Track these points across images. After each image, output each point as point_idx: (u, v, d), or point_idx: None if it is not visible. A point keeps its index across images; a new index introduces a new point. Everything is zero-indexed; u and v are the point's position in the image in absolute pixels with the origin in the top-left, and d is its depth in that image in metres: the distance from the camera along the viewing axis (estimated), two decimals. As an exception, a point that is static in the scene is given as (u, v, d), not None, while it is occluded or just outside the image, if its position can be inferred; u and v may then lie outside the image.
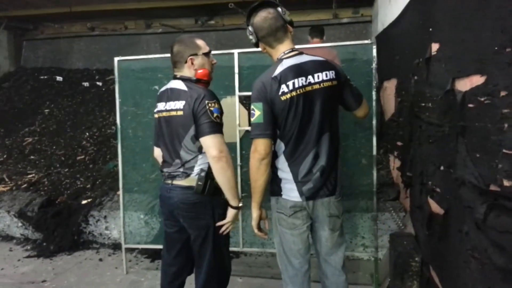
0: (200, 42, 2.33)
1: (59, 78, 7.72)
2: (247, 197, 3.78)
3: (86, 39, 8.27)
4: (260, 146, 1.98)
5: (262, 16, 2.05)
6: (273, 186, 2.14)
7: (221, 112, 2.20)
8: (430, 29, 2.44)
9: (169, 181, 2.29)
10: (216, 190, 2.21)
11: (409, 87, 3.05)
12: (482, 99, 1.60)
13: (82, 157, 5.52)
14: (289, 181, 2.06)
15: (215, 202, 2.24)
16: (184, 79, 2.29)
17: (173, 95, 2.26)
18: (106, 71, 7.58)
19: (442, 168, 2.20)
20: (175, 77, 2.34)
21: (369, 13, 6.75)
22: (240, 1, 5.96)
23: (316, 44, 4.33)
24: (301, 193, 2.05)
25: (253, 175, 2.04)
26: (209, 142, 2.12)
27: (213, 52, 3.61)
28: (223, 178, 2.14)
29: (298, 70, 2.00)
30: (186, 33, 7.42)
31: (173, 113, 2.23)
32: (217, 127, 2.14)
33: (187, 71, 2.30)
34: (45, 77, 7.87)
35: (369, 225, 3.43)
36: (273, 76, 2.00)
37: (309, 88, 1.99)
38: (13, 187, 4.92)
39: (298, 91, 1.97)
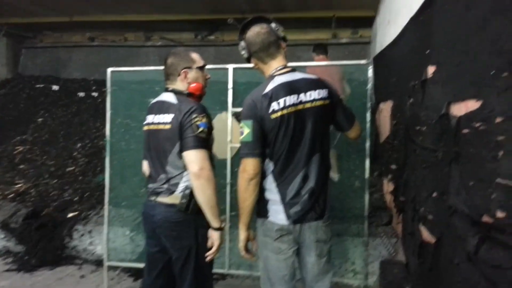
0: (195, 55, 2.28)
1: (54, 87, 7.67)
2: (236, 216, 3.68)
3: (85, 49, 8.25)
4: (248, 166, 1.91)
5: (255, 31, 2.01)
6: (260, 207, 2.04)
7: (209, 127, 2.12)
8: (427, 51, 2.38)
9: (153, 198, 2.21)
10: (200, 209, 2.11)
11: (405, 110, 2.98)
12: (477, 125, 1.52)
13: (72, 168, 5.41)
14: (276, 203, 1.98)
15: (199, 222, 2.13)
16: (176, 92, 2.23)
17: (162, 108, 2.20)
18: (103, 82, 7.49)
19: (435, 194, 2.11)
20: (166, 90, 2.27)
21: (368, 34, 6.75)
22: (239, 17, 5.97)
23: (320, 62, 4.31)
24: (288, 216, 1.96)
25: (241, 195, 1.96)
26: (190, 157, 2.04)
27: (208, 66, 3.58)
28: (202, 196, 2.05)
29: (290, 88, 1.94)
30: (185, 47, 7.41)
31: (161, 126, 2.16)
32: (201, 142, 2.05)
33: (179, 84, 2.24)
34: (41, 85, 7.82)
35: (360, 251, 3.33)
36: (263, 93, 1.94)
37: (300, 106, 1.93)
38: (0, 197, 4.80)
39: (289, 109, 1.91)
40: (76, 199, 4.67)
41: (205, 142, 2.08)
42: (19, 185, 5.06)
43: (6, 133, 6.64)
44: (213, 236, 2.14)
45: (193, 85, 2.22)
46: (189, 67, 2.23)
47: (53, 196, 4.77)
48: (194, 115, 2.07)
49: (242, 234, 2.05)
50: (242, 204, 1.98)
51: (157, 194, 2.19)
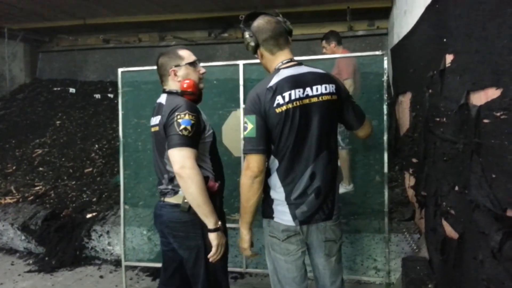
0: (183, 52, 2.23)
1: (72, 90, 7.76)
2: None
3: (100, 51, 8.33)
4: (252, 163, 1.83)
5: (266, 19, 1.94)
6: (265, 207, 1.98)
7: (193, 124, 2.03)
8: (444, 40, 2.29)
9: (162, 198, 2.20)
10: None
11: (424, 101, 2.89)
12: (498, 114, 1.44)
13: (90, 169, 5.46)
14: (281, 203, 1.91)
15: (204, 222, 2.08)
16: (169, 93, 2.20)
17: (157, 110, 2.19)
18: (119, 83, 7.60)
19: (456, 188, 2.03)
20: (163, 91, 2.25)
21: (385, 26, 6.62)
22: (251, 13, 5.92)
23: (336, 55, 4.18)
24: (294, 217, 1.89)
25: (244, 194, 1.88)
26: (172, 156, 1.99)
27: (218, 63, 3.54)
28: (186, 195, 2.00)
29: (296, 81, 1.86)
30: (199, 46, 7.42)
31: (154, 128, 2.17)
32: (183, 140, 1.98)
33: (172, 84, 2.21)
34: (59, 89, 7.93)
35: (381, 247, 3.26)
36: (268, 86, 1.86)
37: (306, 100, 1.85)
38: (20, 199, 4.87)
39: (294, 103, 1.83)
40: (94, 200, 4.71)
41: (189, 140, 2.00)
42: (39, 187, 5.13)
43: (25, 136, 6.75)
44: (210, 237, 2.05)
45: (186, 81, 2.18)
46: (178, 65, 2.18)
47: (72, 198, 4.82)
48: (176, 113, 2.02)
49: (247, 235, 1.97)
50: (245, 203, 1.89)
51: (164, 194, 2.19)
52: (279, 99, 1.83)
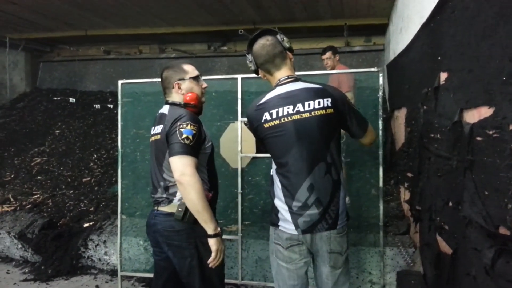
0: (187, 67, 2.32)
1: (71, 100, 7.80)
2: (250, 225, 3.67)
3: (101, 62, 8.39)
4: None
5: (261, 44, 2.03)
6: (272, 215, 2.06)
7: (195, 134, 2.09)
8: (439, 58, 2.35)
9: (156, 207, 2.24)
10: None
11: (418, 117, 2.95)
12: (491, 132, 1.49)
13: (88, 179, 5.48)
14: (285, 211, 1.97)
15: (198, 231, 2.10)
16: (171, 104, 2.27)
17: (159, 119, 2.26)
18: (119, 94, 7.65)
19: (450, 204, 2.07)
20: (166, 102, 2.32)
21: (381, 42, 6.71)
22: (251, 28, 6.01)
23: (335, 71, 4.35)
24: (296, 226, 1.94)
25: None
26: (173, 164, 2.05)
27: (217, 77, 3.60)
28: (186, 201, 2.05)
29: (286, 98, 1.95)
30: (198, 58, 7.50)
31: (156, 137, 2.23)
32: (184, 149, 2.05)
33: (175, 96, 2.29)
34: (59, 98, 7.97)
35: (377, 260, 3.28)
36: (258, 103, 2.00)
37: (296, 116, 1.92)
38: (17, 208, 4.87)
39: (282, 119, 1.92)
40: (91, 209, 4.71)
41: (190, 148, 2.07)
42: (36, 196, 5.14)
43: (24, 145, 6.76)
44: (209, 243, 2.10)
45: (189, 95, 2.26)
46: (182, 79, 2.27)
47: (69, 207, 4.82)
48: (179, 123, 2.09)
49: None
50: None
51: (159, 203, 2.22)
52: (266, 116, 1.95)
